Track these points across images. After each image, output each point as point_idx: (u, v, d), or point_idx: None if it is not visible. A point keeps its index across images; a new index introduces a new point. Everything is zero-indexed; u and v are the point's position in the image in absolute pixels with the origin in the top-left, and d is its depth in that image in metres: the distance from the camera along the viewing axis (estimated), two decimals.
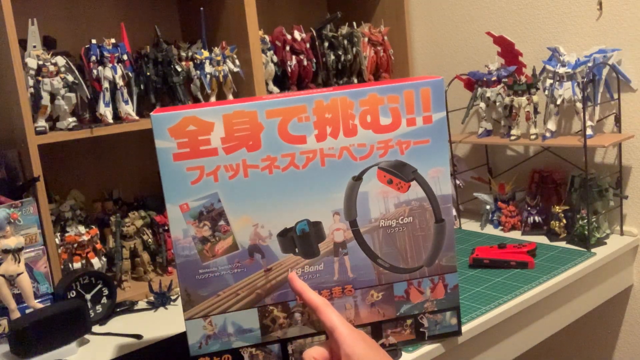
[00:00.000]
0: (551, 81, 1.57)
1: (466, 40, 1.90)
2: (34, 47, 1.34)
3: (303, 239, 0.99)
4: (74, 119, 1.41)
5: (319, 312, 0.81)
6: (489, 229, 1.77)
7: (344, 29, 1.86)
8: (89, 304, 1.34)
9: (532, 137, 1.63)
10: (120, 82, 1.45)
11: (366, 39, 1.91)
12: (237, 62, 1.61)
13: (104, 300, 1.37)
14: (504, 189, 1.76)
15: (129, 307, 1.43)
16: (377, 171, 0.99)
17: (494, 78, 1.70)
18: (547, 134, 1.60)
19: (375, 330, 1.05)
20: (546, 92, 1.58)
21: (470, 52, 1.89)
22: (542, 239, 1.62)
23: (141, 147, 1.72)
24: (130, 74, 1.48)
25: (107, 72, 1.43)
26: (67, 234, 1.41)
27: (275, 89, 1.72)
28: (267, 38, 1.70)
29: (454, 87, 1.82)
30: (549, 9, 1.69)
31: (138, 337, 1.27)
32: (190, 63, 1.57)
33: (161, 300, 1.43)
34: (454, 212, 1.63)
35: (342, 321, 0.79)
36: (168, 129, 0.93)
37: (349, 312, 1.03)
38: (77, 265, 1.39)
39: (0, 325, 1.26)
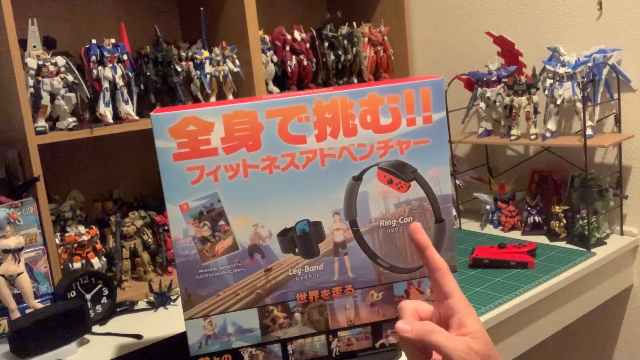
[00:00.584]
0: (551, 81, 1.57)
1: (466, 40, 1.90)
2: (34, 47, 1.34)
3: (303, 239, 0.99)
4: (74, 119, 1.41)
5: (441, 274, 0.75)
6: (489, 229, 1.77)
7: (344, 29, 1.86)
8: (89, 304, 1.34)
9: (532, 137, 1.63)
10: (120, 82, 1.45)
11: (366, 39, 1.90)
12: (237, 62, 1.61)
13: (104, 300, 1.37)
14: (504, 189, 1.76)
15: (129, 307, 1.43)
16: (377, 171, 0.99)
17: (494, 78, 1.70)
18: (547, 134, 1.60)
19: (375, 330, 1.05)
20: (546, 92, 1.58)
21: (470, 52, 1.89)
22: (542, 239, 1.62)
23: (141, 147, 1.72)
24: (130, 74, 1.48)
25: (107, 72, 1.43)
26: (67, 234, 1.41)
27: (275, 89, 1.72)
28: (267, 38, 1.70)
29: (454, 87, 1.82)
30: (549, 9, 1.69)
31: (138, 337, 1.27)
32: (190, 63, 1.57)
33: (161, 300, 1.43)
34: (454, 212, 1.63)
35: (460, 291, 0.74)
36: (168, 129, 0.93)
37: (349, 312, 1.03)
38: (77, 265, 1.39)
39: (0, 325, 1.26)
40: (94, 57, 1.42)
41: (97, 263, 1.42)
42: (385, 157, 0.99)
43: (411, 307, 0.71)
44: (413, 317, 0.71)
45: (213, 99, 1.60)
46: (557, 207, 1.61)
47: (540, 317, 1.39)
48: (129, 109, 1.47)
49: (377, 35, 1.93)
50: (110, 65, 1.44)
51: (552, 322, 1.43)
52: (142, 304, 1.46)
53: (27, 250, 1.29)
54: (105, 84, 1.43)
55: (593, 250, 1.51)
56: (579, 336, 1.82)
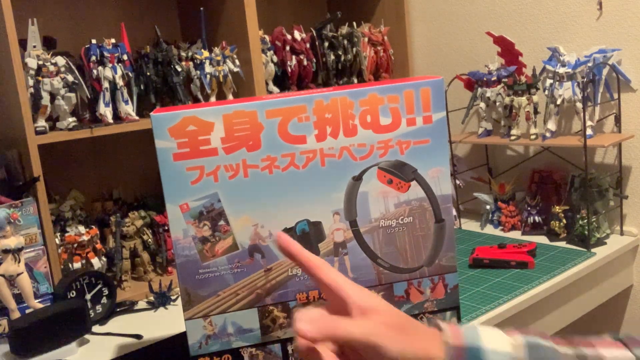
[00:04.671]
0: (551, 81, 1.57)
1: (466, 40, 1.90)
2: (34, 47, 1.34)
3: (303, 239, 0.99)
4: (74, 119, 1.41)
5: (319, 270, 0.67)
6: (489, 229, 1.77)
7: (344, 29, 1.85)
8: (89, 304, 1.34)
9: (532, 137, 1.63)
10: (120, 82, 1.45)
11: (366, 39, 1.90)
12: (237, 62, 1.61)
13: (104, 300, 1.37)
14: (504, 189, 1.76)
15: (129, 307, 1.43)
16: (377, 171, 0.99)
17: (494, 78, 1.70)
18: (547, 134, 1.60)
19: None
20: (546, 92, 1.58)
21: (470, 52, 1.89)
22: (542, 239, 1.62)
23: (141, 147, 1.72)
24: (130, 74, 1.48)
25: (107, 72, 1.43)
26: (67, 234, 1.41)
27: (275, 89, 1.72)
28: (267, 38, 1.70)
29: (454, 87, 1.82)
30: (549, 9, 1.69)
31: (138, 337, 1.27)
32: (190, 63, 1.57)
33: (161, 300, 1.43)
34: (454, 212, 1.63)
35: (346, 279, 0.67)
36: (168, 129, 0.93)
37: None
38: (77, 265, 1.39)
39: (0, 325, 1.26)
40: (94, 57, 1.42)
41: (97, 263, 1.42)
42: (385, 157, 0.99)
43: (304, 313, 0.62)
44: (310, 319, 0.61)
45: (213, 99, 1.60)
46: (557, 207, 1.61)
47: (540, 317, 1.39)
48: (129, 109, 1.47)
49: (377, 35, 1.93)
50: (110, 65, 1.43)
51: (552, 322, 1.43)
52: (142, 304, 1.45)
53: (27, 250, 1.29)
54: (105, 84, 1.43)
55: (593, 250, 1.51)
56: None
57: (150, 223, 1.57)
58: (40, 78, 1.34)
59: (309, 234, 0.99)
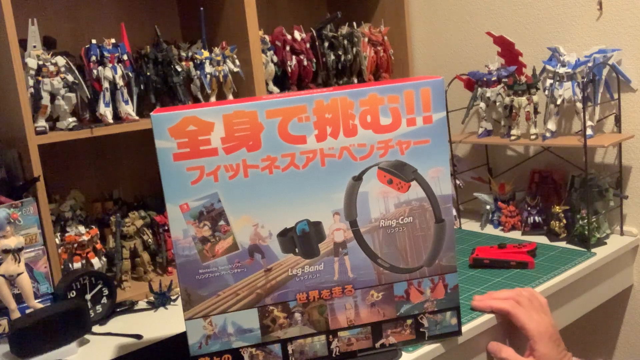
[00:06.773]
0: (551, 81, 1.57)
1: (466, 40, 1.90)
2: (34, 47, 1.34)
3: (303, 239, 0.99)
4: (74, 119, 1.41)
5: (510, 315, 1.15)
6: (489, 229, 1.77)
7: (344, 29, 1.85)
8: (89, 304, 1.34)
9: (532, 137, 1.63)
10: (120, 82, 1.45)
11: (366, 39, 1.90)
12: (237, 62, 1.61)
13: (104, 300, 1.37)
14: (504, 189, 1.76)
15: (129, 307, 1.43)
16: (377, 171, 0.99)
17: (494, 78, 1.70)
18: (547, 134, 1.60)
19: (375, 330, 1.05)
20: (546, 92, 1.58)
21: (470, 52, 1.89)
22: (542, 239, 1.62)
23: (141, 147, 1.72)
24: (130, 74, 1.48)
25: (107, 72, 1.43)
26: (67, 234, 1.41)
27: (275, 89, 1.72)
28: (267, 38, 1.70)
29: (454, 87, 1.82)
30: (549, 9, 1.69)
31: (138, 337, 1.27)
32: (190, 63, 1.57)
33: (161, 300, 1.43)
34: (454, 212, 1.63)
35: (530, 320, 1.13)
36: (168, 129, 0.93)
37: (349, 312, 1.03)
38: (77, 265, 1.39)
39: (0, 325, 1.26)
40: (94, 57, 1.42)
41: (97, 263, 1.42)
42: (386, 157, 0.99)
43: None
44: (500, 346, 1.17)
45: (213, 99, 1.60)
46: (557, 207, 1.61)
47: None
48: (129, 109, 1.47)
49: (377, 35, 1.93)
50: (110, 65, 1.43)
51: None
52: (142, 304, 1.46)
53: (27, 250, 1.29)
54: (105, 84, 1.43)
55: (593, 250, 1.51)
56: (578, 336, 1.81)
57: (150, 223, 1.57)
58: (40, 78, 1.34)
59: (309, 234, 0.99)
